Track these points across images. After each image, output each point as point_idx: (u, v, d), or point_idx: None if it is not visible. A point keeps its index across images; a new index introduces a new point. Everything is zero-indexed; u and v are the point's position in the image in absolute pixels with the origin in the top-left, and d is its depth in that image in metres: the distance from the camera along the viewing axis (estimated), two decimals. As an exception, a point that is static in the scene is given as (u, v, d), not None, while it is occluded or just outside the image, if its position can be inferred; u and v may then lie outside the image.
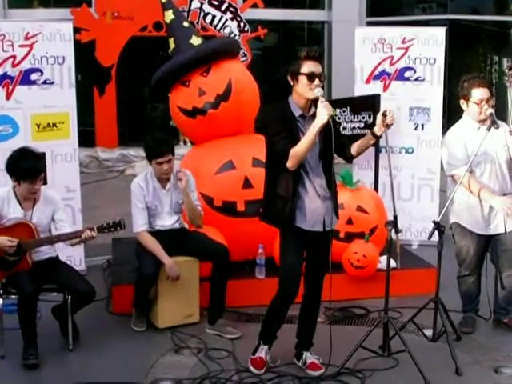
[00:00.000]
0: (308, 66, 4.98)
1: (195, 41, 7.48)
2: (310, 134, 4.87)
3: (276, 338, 5.49)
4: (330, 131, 4.87)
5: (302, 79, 4.99)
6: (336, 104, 8.29)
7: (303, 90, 5.00)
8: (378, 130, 5.14)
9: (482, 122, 5.91)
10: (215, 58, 7.35)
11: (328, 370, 5.34)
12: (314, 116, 4.96)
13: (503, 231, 6.03)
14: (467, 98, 6.00)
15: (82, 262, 7.78)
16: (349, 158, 5.37)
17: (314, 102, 5.01)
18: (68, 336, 5.88)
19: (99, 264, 7.97)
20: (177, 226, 6.44)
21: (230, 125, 7.43)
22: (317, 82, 4.96)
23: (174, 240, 6.27)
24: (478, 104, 5.92)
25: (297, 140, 4.96)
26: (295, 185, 5.05)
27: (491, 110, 5.86)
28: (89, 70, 15.66)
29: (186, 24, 7.68)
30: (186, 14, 15.15)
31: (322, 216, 5.14)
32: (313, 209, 5.10)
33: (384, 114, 5.16)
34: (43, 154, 7.20)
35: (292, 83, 5.08)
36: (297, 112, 5.08)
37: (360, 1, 17.67)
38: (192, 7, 16.06)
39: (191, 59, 7.30)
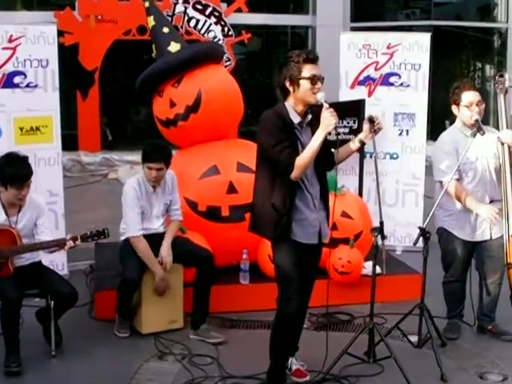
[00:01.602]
0: (309, 70, 4.77)
1: (173, 47, 7.43)
2: (315, 142, 4.68)
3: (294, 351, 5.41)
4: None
5: (304, 84, 4.76)
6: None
7: (305, 94, 4.78)
8: (365, 136, 5.12)
9: (472, 126, 5.91)
10: (187, 67, 7.30)
11: (313, 376, 5.31)
12: (310, 123, 4.88)
13: (489, 238, 6.03)
14: (458, 103, 6.01)
15: (65, 267, 7.73)
16: (331, 167, 5.19)
17: (311, 108, 4.86)
18: (51, 341, 5.83)
19: (82, 269, 7.90)
20: (161, 229, 6.41)
21: (204, 134, 7.40)
22: (319, 85, 4.79)
23: (158, 245, 6.23)
24: (468, 107, 5.93)
25: (297, 149, 4.78)
26: (292, 196, 4.84)
27: (477, 117, 5.87)
28: (72, 74, 15.58)
29: (165, 30, 7.61)
30: (169, 18, 15.09)
31: (317, 228, 5.01)
32: (310, 221, 4.94)
33: (371, 121, 5.14)
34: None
35: (291, 89, 4.82)
36: (296, 119, 4.85)
37: (344, 6, 17.67)
38: (176, 11, 16.01)
39: (161, 70, 7.34)
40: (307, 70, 4.77)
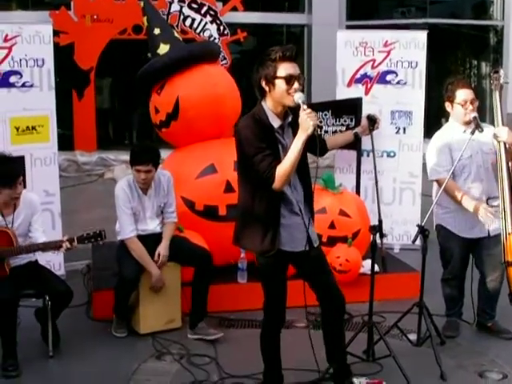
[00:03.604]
0: (285, 68, 4.41)
1: (162, 49, 7.43)
2: (296, 148, 4.39)
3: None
4: (309, 139, 4.41)
5: (279, 84, 4.42)
6: (318, 107, 8.27)
7: (281, 95, 4.45)
8: (361, 131, 5.08)
9: (468, 124, 5.90)
10: (170, 71, 7.30)
11: (312, 375, 5.27)
12: (290, 124, 4.62)
13: (487, 235, 6.02)
14: (452, 100, 6.00)
15: (62, 267, 7.70)
16: (322, 154, 4.95)
17: (292, 108, 4.56)
18: (48, 341, 5.80)
19: (79, 269, 7.85)
20: (158, 229, 6.38)
21: (188, 139, 7.42)
22: (296, 85, 4.41)
23: (155, 245, 6.20)
24: (462, 105, 5.93)
25: (279, 155, 4.51)
26: (277, 204, 4.59)
27: (475, 114, 5.86)
28: (67, 73, 15.54)
29: (156, 31, 7.57)
30: (165, 17, 15.07)
31: (305, 233, 4.71)
32: (296, 227, 4.68)
33: (371, 119, 5.11)
34: (22, 158, 7.13)
35: (267, 89, 4.50)
36: (275, 123, 4.55)
37: (340, 4, 17.65)
38: (171, 10, 15.99)
39: (147, 74, 7.41)
40: (283, 69, 4.43)
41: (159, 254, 6.16)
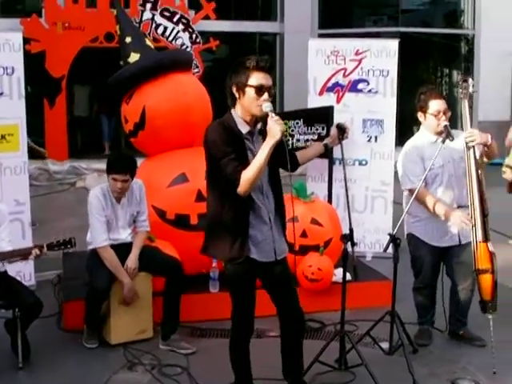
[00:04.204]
0: (257, 78, 4.43)
1: (132, 58, 7.43)
2: (263, 154, 4.37)
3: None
4: (279, 148, 4.42)
5: (250, 92, 4.44)
6: (289, 116, 8.28)
7: (250, 104, 4.47)
8: (331, 141, 5.08)
9: (440, 134, 5.91)
10: (138, 82, 7.28)
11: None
12: (261, 131, 4.61)
13: (458, 243, 6.04)
14: (424, 110, 6.01)
15: (32, 277, 7.62)
16: (293, 169, 4.92)
17: (261, 116, 4.53)
18: (18, 353, 5.74)
19: (49, 279, 7.79)
20: (129, 239, 6.34)
21: (156, 148, 7.43)
22: (265, 96, 4.43)
23: (127, 254, 6.16)
24: (435, 116, 5.94)
25: (247, 161, 4.49)
26: (246, 212, 4.57)
27: (446, 123, 5.88)
28: (39, 81, 15.47)
29: (127, 40, 7.57)
30: (137, 25, 15.04)
31: (272, 244, 4.69)
32: (265, 237, 4.65)
33: (341, 128, 5.11)
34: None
35: (237, 95, 4.52)
36: (244, 129, 4.55)
37: (312, 13, 17.72)
38: (144, 18, 15.98)
39: (114, 84, 7.42)
40: (255, 78, 4.44)
41: (128, 268, 6.12)
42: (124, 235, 6.32)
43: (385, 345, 5.89)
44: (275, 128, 4.33)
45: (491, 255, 5.68)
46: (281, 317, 4.94)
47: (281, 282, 4.86)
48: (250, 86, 4.45)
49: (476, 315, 6.19)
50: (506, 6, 17.97)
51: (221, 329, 6.39)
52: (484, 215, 5.71)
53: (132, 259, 6.15)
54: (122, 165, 6.10)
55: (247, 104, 4.50)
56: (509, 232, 9.95)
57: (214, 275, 6.82)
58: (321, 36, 16.81)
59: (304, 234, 7.04)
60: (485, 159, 6.00)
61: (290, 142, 8.06)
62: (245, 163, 4.47)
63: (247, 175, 4.41)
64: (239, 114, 4.58)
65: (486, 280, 5.69)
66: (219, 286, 6.81)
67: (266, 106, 4.43)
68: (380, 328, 5.95)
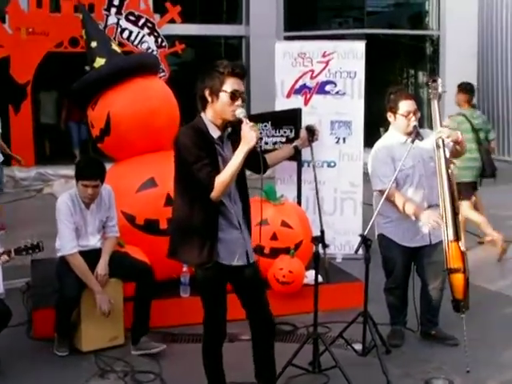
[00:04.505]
0: (231, 84, 4.46)
1: (98, 63, 7.39)
2: (237, 159, 4.40)
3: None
4: (250, 151, 4.41)
5: (223, 97, 4.46)
6: (257, 119, 8.26)
7: (223, 109, 4.48)
8: (301, 143, 5.07)
9: (409, 134, 5.92)
10: (102, 87, 7.24)
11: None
12: (230, 137, 4.62)
13: (429, 243, 6.05)
14: (394, 111, 6.02)
15: (1, 286, 7.50)
16: (263, 171, 4.89)
17: (231, 122, 4.57)
18: (-13, 363, 5.67)
19: (18, 287, 7.69)
20: (99, 245, 6.28)
21: (123, 154, 7.39)
22: (239, 102, 4.47)
23: (96, 260, 6.10)
24: (405, 116, 5.95)
25: (218, 166, 4.50)
26: (215, 216, 4.55)
27: (415, 123, 5.89)
28: (3, 87, 15.33)
29: (93, 44, 7.53)
30: (103, 29, 14.95)
31: (244, 247, 4.70)
32: (235, 241, 4.64)
33: (310, 130, 5.10)
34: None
35: (210, 99, 4.52)
36: (215, 133, 4.55)
37: (277, 15, 17.73)
38: (109, 23, 15.88)
39: (79, 90, 7.40)
40: (230, 84, 4.47)
41: (98, 276, 6.06)
42: (93, 241, 6.26)
43: (358, 346, 5.88)
44: (250, 134, 4.35)
45: (462, 254, 5.70)
46: (251, 320, 4.90)
47: (251, 285, 4.84)
48: (225, 91, 4.47)
49: (448, 314, 6.23)
50: (469, 7, 18.11)
51: (193, 334, 6.34)
52: (455, 214, 5.73)
53: (102, 265, 6.09)
54: (92, 170, 6.04)
55: (220, 109, 4.51)
56: (478, 231, 9.99)
57: (184, 280, 6.78)
58: (287, 39, 16.80)
59: (274, 237, 7.02)
60: (455, 158, 6.03)
61: (259, 145, 8.01)
62: (216, 168, 4.48)
63: (221, 180, 4.41)
64: (209, 118, 4.57)
65: (458, 279, 5.70)
66: (190, 290, 6.77)
67: (240, 112, 4.46)
68: (353, 329, 5.94)
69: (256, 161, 4.54)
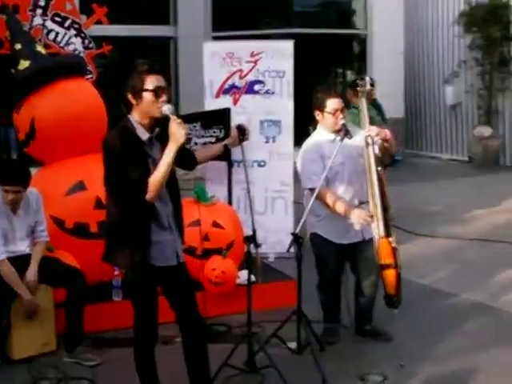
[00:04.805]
0: (151, 81, 4.44)
1: (22, 65, 7.25)
2: (167, 158, 4.38)
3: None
4: (178, 154, 4.41)
5: (147, 96, 4.44)
6: (186, 119, 8.20)
7: (149, 107, 4.45)
8: (231, 142, 5.07)
9: (337, 132, 5.95)
10: (25, 91, 7.13)
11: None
12: (158, 137, 4.58)
13: (361, 240, 6.09)
14: (322, 109, 6.04)
15: None
16: (192, 167, 5.05)
17: (158, 121, 4.54)
18: None
19: None
20: (28, 251, 6.16)
21: (50, 157, 7.29)
22: (163, 97, 4.46)
23: (25, 267, 5.98)
24: (333, 114, 5.98)
25: (148, 167, 4.47)
26: (147, 218, 4.52)
27: (343, 121, 5.93)
28: None
29: (17, 46, 7.41)
30: (28, 31, 14.70)
31: (175, 248, 4.70)
32: (166, 241, 4.63)
33: (240, 128, 5.09)
34: None
35: (134, 101, 4.50)
36: (144, 135, 4.51)
37: (205, 16, 17.69)
38: (34, 23, 15.56)
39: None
40: (150, 82, 4.45)
41: (27, 282, 5.94)
42: (22, 247, 6.14)
43: (293, 344, 5.90)
44: (179, 132, 4.35)
45: (393, 250, 5.74)
46: (180, 321, 4.86)
47: (180, 286, 4.81)
48: (147, 89, 4.45)
49: (381, 310, 6.27)
50: (395, 6, 18.33)
51: (125, 338, 6.24)
52: (385, 210, 5.77)
53: (31, 272, 5.98)
54: (13, 175, 5.90)
55: (146, 108, 4.48)
56: (408, 226, 10.12)
57: (116, 283, 6.71)
58: (215, 39, 16.77)
59: (206, 238, 6.99)
60: (384, 155, 6.07)
61: (188, 146, 7.99)
62: (147, 170, 4.45)
63: (154, 181, 4.40)
64: (137, 120, 4.54)
65: (390, 275, 5.73)
66: (122, 294, 6.69)
67: (167, 109, 4.44)
68: (287, 328, 5.95)
69: (185, 157, 4.55)
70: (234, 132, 5.69)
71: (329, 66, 19.32)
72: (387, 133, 5.88)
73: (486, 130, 17.12)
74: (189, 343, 4.89)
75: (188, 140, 8.04)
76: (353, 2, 19.51)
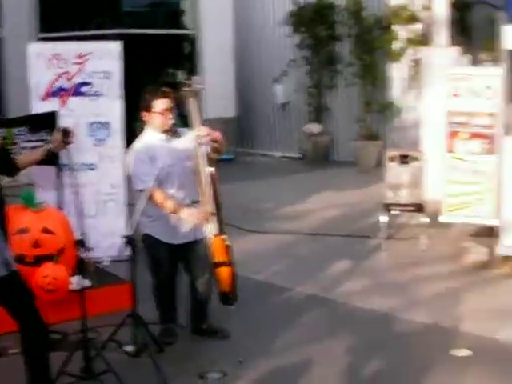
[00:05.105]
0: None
1: None
2: None
3: None
4: None
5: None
6: (12, 123, 7.98)
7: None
8: (55, 146, 4.98)
9: (167, 132, 5.96)
10: None
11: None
12: None
13: (193, 239, 6.11)
14: (150, 110, 6.03)
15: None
16: (14, 173, 4.88)
17: None
18: None
19: None
20: None
21: None
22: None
23: None
24: (161, 114, 5.98)
25: None
26: None
27: (172, 121, 5.94)
28: None
29: None
30: None
31: (1, 257, 4.56)
32: None
33: (64, 131, 4.99)
34: None
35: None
36: None
37: (29, 16, 17.27)
38: None
39: None
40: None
41: None
42: None
43: (130, 348, 5.85)
44: None
45: (227, 248, 5.79)
46: (23, 330, 4.73)
47: (16, 294, 4.71)
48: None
49: (216, 308, 6.32)
50: (224, 6, 18.50)
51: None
52: (218, 209, 5.82)
53: None
54: None
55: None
56: (240, 224, 10.23)
57: None
58: (42, 40, 16.38)
59: (36, 244, 6.81)
60: (214, 155, 6.11)
61: (16, 151, 7.74)
62: None
63: None
64: None
65: (224, 272, 5.79)
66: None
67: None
68: (124, 332, 5.90)
69: (4, 163, 4.37)
70: (56, 135, 5.58)
71: (160, 67, 19.26)
72: (218, 133, 5.93)
73: (315, 127, 17.54)
74: (31, 353, 4.77)
75: (15, 144, 7.81)
76: (181, 1, 19.56)
